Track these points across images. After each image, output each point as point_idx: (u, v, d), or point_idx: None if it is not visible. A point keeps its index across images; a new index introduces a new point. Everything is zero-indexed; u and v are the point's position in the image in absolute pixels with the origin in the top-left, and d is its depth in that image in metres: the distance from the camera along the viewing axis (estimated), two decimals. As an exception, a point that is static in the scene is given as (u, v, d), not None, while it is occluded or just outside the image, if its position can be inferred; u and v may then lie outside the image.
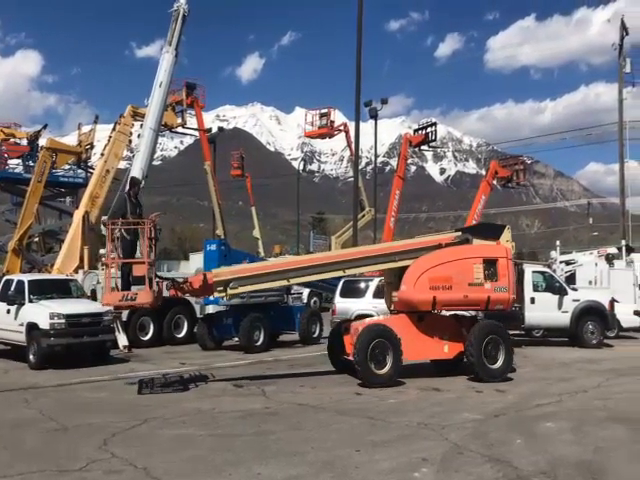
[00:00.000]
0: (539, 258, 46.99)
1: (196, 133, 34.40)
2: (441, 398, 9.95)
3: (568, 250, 32.36)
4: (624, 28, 33.06)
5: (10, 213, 33.67)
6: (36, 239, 32.12)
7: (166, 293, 11.68)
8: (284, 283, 12.63)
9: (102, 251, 19.20)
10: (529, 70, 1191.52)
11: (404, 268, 11.71)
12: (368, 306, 16.68)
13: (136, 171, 20.42)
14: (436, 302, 11.41)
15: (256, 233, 45.92)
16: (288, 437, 7.49)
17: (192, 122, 31.72)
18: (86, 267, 18.86)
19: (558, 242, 27.30)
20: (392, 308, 12.43)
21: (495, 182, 29.06)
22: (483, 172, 50.91)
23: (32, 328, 13.42)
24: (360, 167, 28.24)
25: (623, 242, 26.39)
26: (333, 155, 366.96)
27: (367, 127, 40.83)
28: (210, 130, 37.98)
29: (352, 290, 17.46)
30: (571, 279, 21.43)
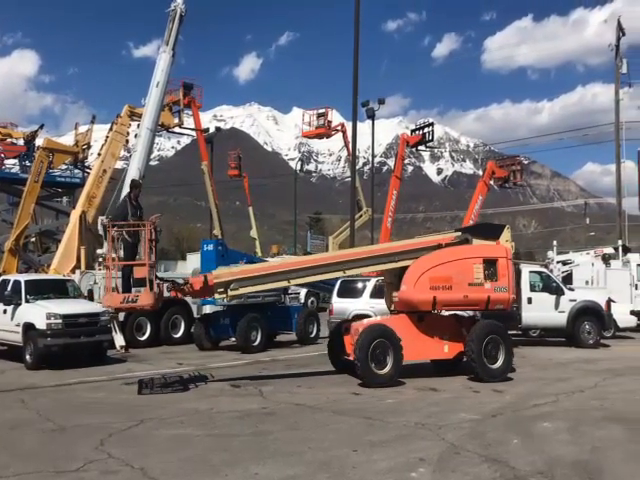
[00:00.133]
0: (536, 258, 47.10)
1: (193, 133, 34.41)
2: (438, 398, 9.96)
3: (565, 250, 32.46)
4: (621, 29, 33.15)
5: (7, 213, 33.59)
6: (33, 239, 32.09)
7: (167, 294, 11.69)
8: (285, 284, 12.63)
9: (99, 251, 19.20)
10: (526, 70, 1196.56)
11: (404, 268, 11.72)
12: (365, 306, 16.69)
13: (133, 171, 20.42)
14: (436, 302, 11.42)
15: (253, 233, 45.89)
16: (285, 437, 7.49)
17: (189, 122, 31.73)
18: (83, 267, 18.85)
19: (555, 242, 27.36)
20: (392, 308, 12.44)
21: (492, 182, 29.07)
22: (480, 172, 50.99)
23: (29, 328, 13.39)
24: (357, 167, 28.28)
25: (620, 242, 26.46)
26: (330, 155, 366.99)
27: (364, 127, 40.78)
28: (207, 130, 38.01)
29: (349, 290, 17.46)
30: (568, 279, 21.49)
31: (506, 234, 12.29)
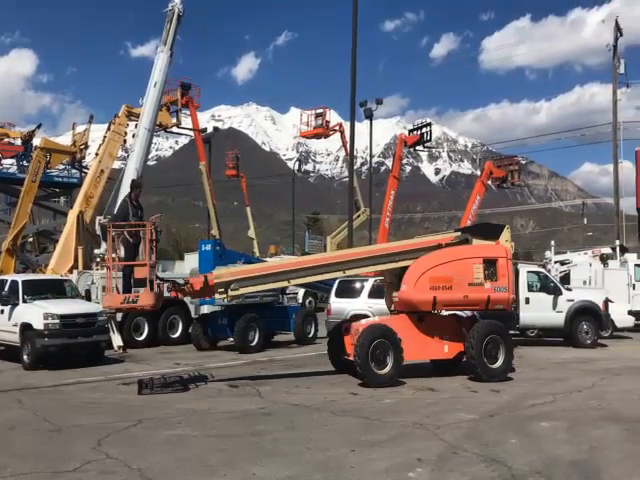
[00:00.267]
0: (534, 258, 47.08)
1: (191, 133, 34.38)
2: (436, 398, 9.96)
3: (562, 250, 32.49)
4: (618, 29, 33.20)
5: (4, 213, 33.60)
6: (30, 239, 32.06)
7: (167, 294, 11.69)
8: (285, 284, 12.65)
9: (97, 251, 19.22)
10: (524, 70, 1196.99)
11: (404, 268, 11.73)
12: (363, 306, 16.69)
13: (130, 171, 20.41)
14: (436, 302, 11.43)
15: (251, 233, 45.86)
16: (283, 437, 7.48)
17: (187, 122, 31.71)
18: (80, 267, 18.82)
19: (553, 242, 27.41)
20: (392, 308, 12.45)
21: (490, 182, 29.13)
22: (478, 172, 51.05)
23: (26, 328, 13.37)
24: (355, 167, 28.30)
25: (617, 242, 26.54)
26: (328, 155, 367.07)
27: (362, 127, 40.92)
28: (205, 130, 38.02)
29: (347, 290, 17.45)
30: (565, 279, 21.52)
31: (506, 234, 12.31)
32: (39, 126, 36.16)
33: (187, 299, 17.02)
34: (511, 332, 16.61)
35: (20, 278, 14.97)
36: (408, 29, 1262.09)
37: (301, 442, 7.22)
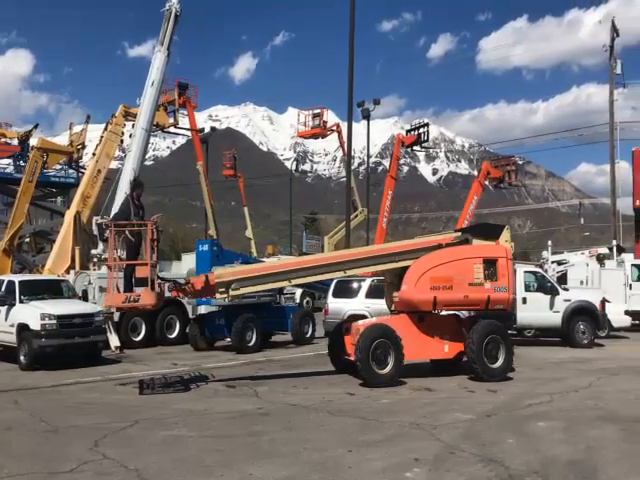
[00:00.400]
0: (531, 258, 47.19)
1: (188, 133, 34.37)
2: (433, 398, 9.96)
3: (560, 250, 32.59)
4: (615, 30, 33.26)
5: (1, 213, 33.51)
6: (27, 239, 32.00)
7: (168, 294, 11.67)
8: (286, 284, 12.64)
9: (94, 251, 19.17)
10: (521, 71, 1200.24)
11: (405, 268, 11.74)
12: (361, 306, 16.71)
13: (128, 171, 20.38)
14: (437, 302, 11.45)
15: (249, 233, 45.86)
16: (280, 438, 7.47)
17: (184, 122, 31.70)
18: (77, 267, 18.76)
19: (550, 242, 27.49)
20: (393, 308, 12.46)
21: (487, 182, 29.18)
22: (475, 173, 51.08)
23: (23, 329, 13.34)
24: (353, 167, 28.28)
25: (614, 242, 26.57)
26: (326, 155, 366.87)
27: (360, 127, 40.94)
28: (202, 130, 37.95)
29: (345, 290, 17.46)
30: (562, 279, 21.54)
31: (506, 234, 12.33)
32: (36, 126, 36.11)
33: (185, 299, 17.02)
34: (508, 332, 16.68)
35: (17, 278, 14.94)
36: (405, 29, 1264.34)
37: (298, 442, 7.22)
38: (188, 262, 20.22)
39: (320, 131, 35.55)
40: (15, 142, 34.05)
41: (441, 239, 12.33)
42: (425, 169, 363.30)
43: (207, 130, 40.13)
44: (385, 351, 10.95)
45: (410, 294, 11.57)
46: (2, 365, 13.88)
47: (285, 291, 20.10)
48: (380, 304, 14.68)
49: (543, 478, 5.94)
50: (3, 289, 14.26)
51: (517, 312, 16.80)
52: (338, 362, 12.49)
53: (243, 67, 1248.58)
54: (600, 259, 23.84)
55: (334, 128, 37.25)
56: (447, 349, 11.76)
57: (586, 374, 12.25)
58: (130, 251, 10.91)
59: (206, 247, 16.41)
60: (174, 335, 17.94)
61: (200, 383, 11.42)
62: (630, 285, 21.63)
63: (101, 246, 18.91)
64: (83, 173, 26.71)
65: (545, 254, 25.22)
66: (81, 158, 32.08)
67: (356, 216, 35.36)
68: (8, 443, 7.49)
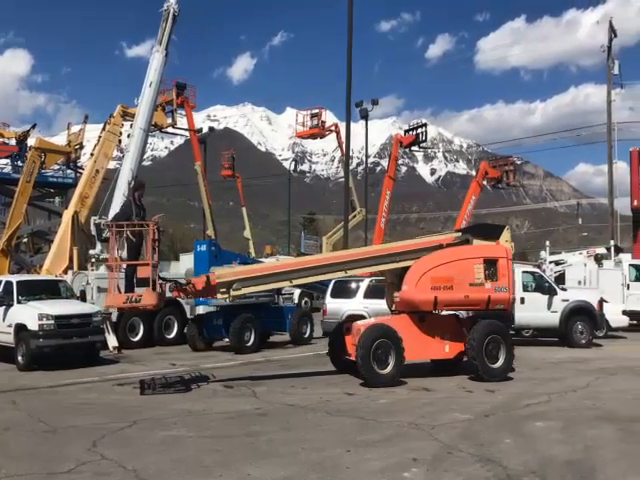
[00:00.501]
0: (529, 258, 47.21)
1: (186, 133, 34.36)
2: (432, 398, 9.97)
3: (557, 250, 32.63)
4: (613, 30, 33.31)
5: (-1, 213, 33.41)
6: (25, 240, 31.97)
7: (169, 294, 11.66)
8: (287, 284, 12.63)
9: (92, 252, 19.15)
10: (519, 71, 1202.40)
11: (405, 268, 11.76)
12: (359, 306, 16.71)
13: (126, 171, 20.38)
14: (437, 302, 11.46)
15: (247, 234, 45.80)
16: (278, 438, 7.47)
17: (182, 122, 31.71)
18: (75, 268, 18.77)
19: (548, 242, 27.50)
20: (393, 308, 12.47)
21: (485, 182, 29.20)
22: (473, 173, 51.10)
23: (20, 329, 13.32)
24: (351, 167, 28.27)
25: (612, 242, 26.60)
26: (324, 155, 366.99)
27: (358, 128, 40.87)
28: (201, 130, 37.97)
29: (343, 290, 17.46)
30: (560, 279, 21.56)
31: (506, 234, 12.35)
32: (34, 126, 36.10)
33: (183, 299, 17.00)
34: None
35: (14, 279, 14.92)
36: (404, 30, 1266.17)
37: (296, 442, 7.22)
38: (186, 262, 20.20)
39: (318, 131, 35.55)
40: (13, 142, 34.00)
41: (442, 239, 12.35)
42: (423, 169, 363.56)
43: (205, 130, 40.13)
44: (386, 351, 10.96)
45: (411, 294, 11.58)
46: (0, 365, 13.86)
47: (283, 291, 20.10)
48: (378, 304, 14.70)
49: (541, 478, 5.95)
50: (1, 289, 14.23)
51: (515, 312, 16.81)
52: (338, 362, 12.49)
53: (241, 67, 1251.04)
54: (598, 259, 23.86)
55: (332, 128, 37.26)
56: (448, 349, 11.77)
57: (584, 374, 12.26)
58: (131, 251, 10.91)
59: (204, 247, 16.40)
60: (172, 335, 17.93)
61: (201, 383, 11.42)
62: (628, 285, 21.67)
63: (99, 246, 18.91)
64: (81, 173, 26.73)
65: (543, 254, 25.24)
66: (79, 158, 32.09)
67: (354, 216, 35.36)
68: (6, 443, 7.49)
